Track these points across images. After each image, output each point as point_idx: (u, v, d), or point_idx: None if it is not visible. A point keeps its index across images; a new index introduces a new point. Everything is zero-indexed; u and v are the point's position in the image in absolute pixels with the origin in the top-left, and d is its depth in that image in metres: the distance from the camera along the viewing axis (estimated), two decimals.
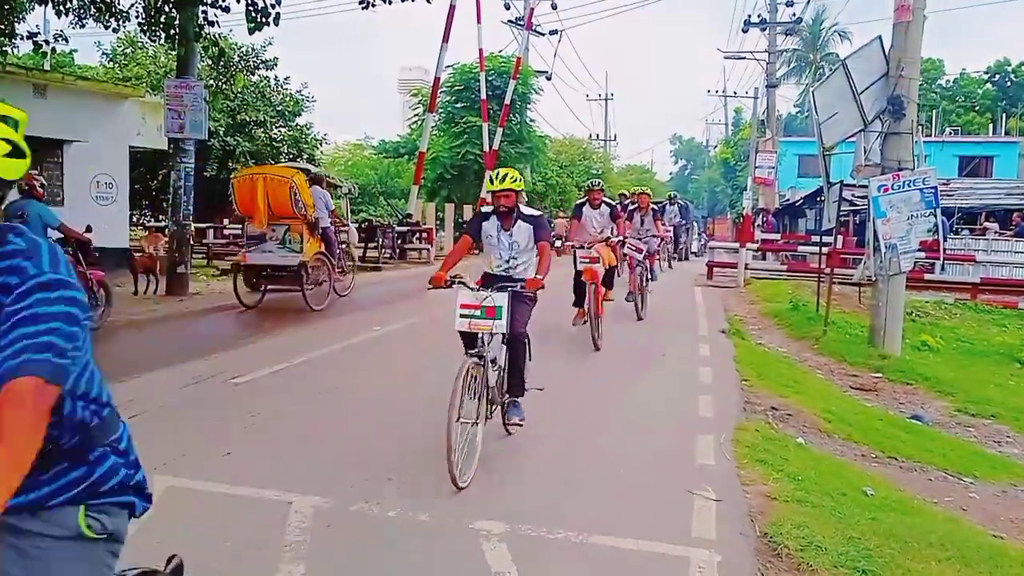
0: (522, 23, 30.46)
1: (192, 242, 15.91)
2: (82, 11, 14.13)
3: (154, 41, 17.57)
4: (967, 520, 5.04)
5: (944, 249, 14.11)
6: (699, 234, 39.64)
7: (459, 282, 5.06)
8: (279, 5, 13.20)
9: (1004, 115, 45.77)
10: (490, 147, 27.83)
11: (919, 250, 10.17)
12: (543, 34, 32.97)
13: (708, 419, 6.27)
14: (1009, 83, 50.53)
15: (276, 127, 26.73)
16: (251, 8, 13.06)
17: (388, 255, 22.55)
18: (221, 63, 21.30)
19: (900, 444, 6.51)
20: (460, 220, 27.79)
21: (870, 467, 5.87)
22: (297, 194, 11.83)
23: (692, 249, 33.73)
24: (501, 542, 3.80)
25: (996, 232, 22.07)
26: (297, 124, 27.87)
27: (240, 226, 16.52)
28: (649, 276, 12.12)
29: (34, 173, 9.31)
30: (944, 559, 3.89)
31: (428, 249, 23.69)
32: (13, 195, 9.66)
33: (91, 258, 9.47)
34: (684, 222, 30.06)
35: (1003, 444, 7.38)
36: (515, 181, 5.40)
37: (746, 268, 18.05)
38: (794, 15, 32.01)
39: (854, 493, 4.81)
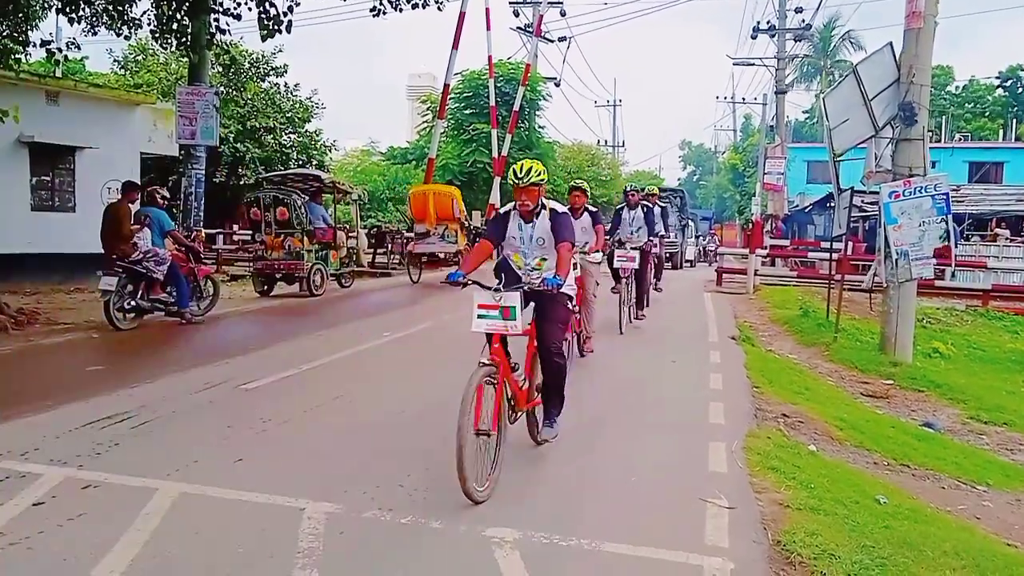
0: (531, 30, 30.52)
1: (203, 248, 16.01)
2: (94, 19, 14.22)
3: (166, 48, 17.67)
4: (981, 529, 5.01)
5: (955, 255, 14.05)
6: (697, 237, 36.05)
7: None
8: (291, 13, 13.28)
9: (1015, 120, 45.59)
10: (499, 153, 27.87)
11: (930, 256, 10.13)
12: (552, 41, 33.04)
13: (719, 426, 6.25)
14: (1021, 88, 50.30)
15: (286, 133, 26.87)
16: (263, 16, 13.14)
17: (397, 261, 22.59)
18: (232, 71, 21.44)
19: (912, 452, 6.49)
20: (469, 226, 27.79)
21: (882, 475, 5.84)
22: (455, 204, 18.77)
23: (687, 256, 30.11)
24: (514, 549, 3.79)
25: (1007, 238, 21.99)
26: (306, 130, 28.01)
27: (249, 233, 16.79)
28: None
29: (158, 187, 11.05)
30: (959, 568, 3.87)
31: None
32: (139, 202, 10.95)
33: (199, 258, 11.57)
34: (682, 219, 28.10)
35: (1016, 452, 7.34)
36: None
37: (756, 274, 18.01)
38: (803, 21, 31.99)
39: (867, 501, 4.79)
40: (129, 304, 10.13)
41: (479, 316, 4.56)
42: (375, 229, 23.43)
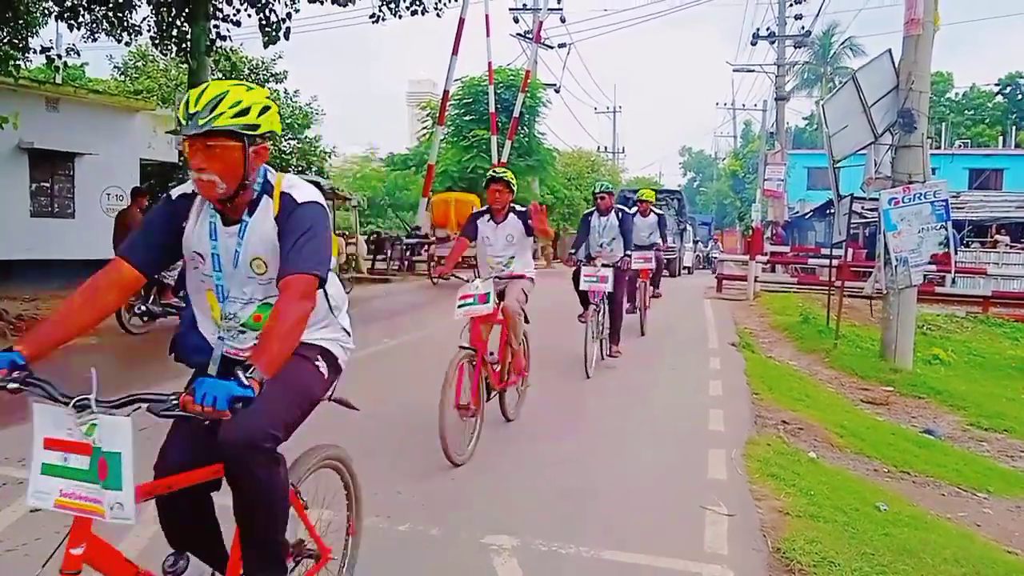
0: (531, 36, 30.56)
1: None
2: (94, 25, 14.25)
3: (166, 55, 17.71)
4: (981, 535, 5.00)
5: (955, 262, 14.06)
6: (696, 242, 35.24)
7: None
8: (289, 20, 13.33)
9: (1014, 127, 45.66)
10: (499, 160, 27.88)
11: (930, 263, 10.14)
12: (552, 47, 33.04)
13: (719, 433, 6.23)
14: (1020, 96, 50.41)
15: (285, 139, 26.89)
16: (263, 23, 13.19)
17: (396, 267, 22.59)
18: (232, 77, 21.48)
19: (913, 458, 6.47)
20: None
21: (883, 482, 5.83)
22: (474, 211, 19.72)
23: (685, 263, 28.93)
24: (512, 557, 3.78)
25: (1007, 245, 22.00)
26: (306, 137, 28.04)
27: None
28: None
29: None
30: (959, 575, 3.86)
31: None
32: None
33: None
34: (680, 222, 27.53)
35: (1016, 459, 7.33)
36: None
37: (756, 281, 17.99)
38: (803, 28, 32.04)
39: (867, 508, 4.77)
40: (141, 309, 10.20)
41: (45, 469, 2.05)
42: (374, 235, 23.45)
